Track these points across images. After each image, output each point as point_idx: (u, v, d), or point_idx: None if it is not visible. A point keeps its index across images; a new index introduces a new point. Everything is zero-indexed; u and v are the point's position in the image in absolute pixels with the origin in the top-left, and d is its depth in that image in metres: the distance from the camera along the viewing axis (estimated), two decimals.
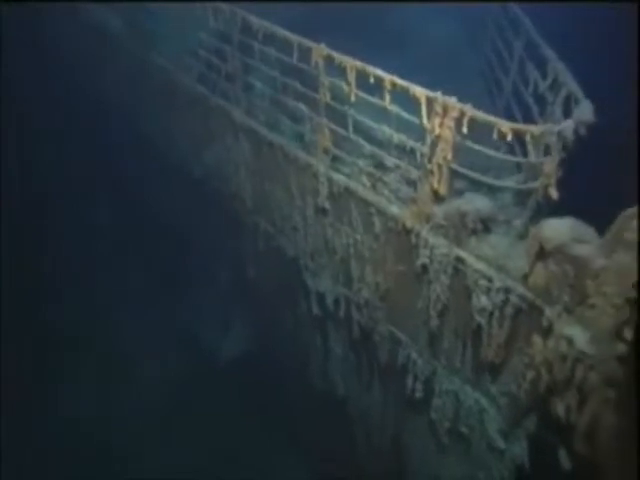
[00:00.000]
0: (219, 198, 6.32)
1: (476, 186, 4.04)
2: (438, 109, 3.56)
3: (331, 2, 6.95)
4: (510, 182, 3.75)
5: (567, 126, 3.33)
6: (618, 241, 2.89)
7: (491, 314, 3.74)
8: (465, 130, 3.51)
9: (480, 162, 3.80)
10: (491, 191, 4.05)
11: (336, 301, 5.08)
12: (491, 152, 3.50)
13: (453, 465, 4.58)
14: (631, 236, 2.81)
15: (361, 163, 4.43)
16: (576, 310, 3.24)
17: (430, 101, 3.60)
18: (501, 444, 4.08)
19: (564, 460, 3.52)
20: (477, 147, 3.54)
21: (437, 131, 3.60)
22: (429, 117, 3.64)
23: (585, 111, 3.49)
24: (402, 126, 4.03)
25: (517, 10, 5.03)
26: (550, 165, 3.40)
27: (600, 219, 3.37)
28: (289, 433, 7.18)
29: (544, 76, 4.17)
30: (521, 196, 4.00)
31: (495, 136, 3.40)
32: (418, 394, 4.60)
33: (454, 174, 3.88)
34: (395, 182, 4.25)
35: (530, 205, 3.65)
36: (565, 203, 3.82)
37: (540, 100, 4.17)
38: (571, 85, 3.72)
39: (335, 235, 4.80)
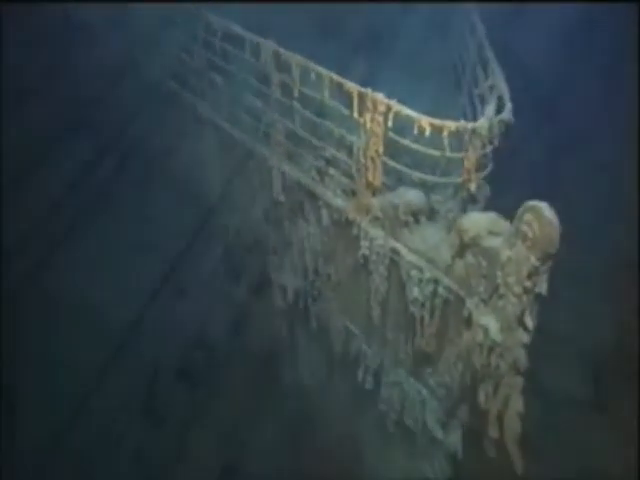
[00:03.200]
0: (197, 191, 6.79)
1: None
2: (369, 104, 3.93)
3: (323, 2, 7.31)
4: (440, 178, 4.09)
5: (481, 124, 3.68)
6: (518, 233, 3.24)
7: (423, 305, 4.10)
8: (390, 124, 3.90)
9: (430, 157, 4.16)
10: (437, 185, 4.41)
11: (296, 293, 5.56)
12: (414, 146, 3.86)
13: (401, 455, 4.94)
14: (525, 228, 3.15)
15: (311, 157, 4.85)
16: (491, 300, 3.60)
17: (362, 96, 3.98)
18: (440, 435, 4.43)
19: (489, 448, 3.88)
20: (403, 141, 3.90)
21: (368, 125, 3.99)
22: (361, 112, 4.03)
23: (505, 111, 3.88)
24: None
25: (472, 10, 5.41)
26: (469, 161, 3.75)
27: None
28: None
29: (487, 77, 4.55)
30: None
31: (415, 131, 3.77)
32: (368, 385, 4.98)
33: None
34: (339, 175, 4.65)
35: (458, 198, 4.01)
36: None
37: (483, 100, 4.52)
38: (501, 87, 4.07)
39: (291, 228, 5.28)
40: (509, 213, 4.54)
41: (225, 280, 6.90)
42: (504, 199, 5.20)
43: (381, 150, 3.98)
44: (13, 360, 5.35)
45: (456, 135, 3.71)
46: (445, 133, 3.69)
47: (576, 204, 5.58)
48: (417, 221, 4.05)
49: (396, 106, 3.78)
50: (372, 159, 4.03)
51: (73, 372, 5.17)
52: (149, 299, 5.56)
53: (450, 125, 3.67)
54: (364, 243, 4.36)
